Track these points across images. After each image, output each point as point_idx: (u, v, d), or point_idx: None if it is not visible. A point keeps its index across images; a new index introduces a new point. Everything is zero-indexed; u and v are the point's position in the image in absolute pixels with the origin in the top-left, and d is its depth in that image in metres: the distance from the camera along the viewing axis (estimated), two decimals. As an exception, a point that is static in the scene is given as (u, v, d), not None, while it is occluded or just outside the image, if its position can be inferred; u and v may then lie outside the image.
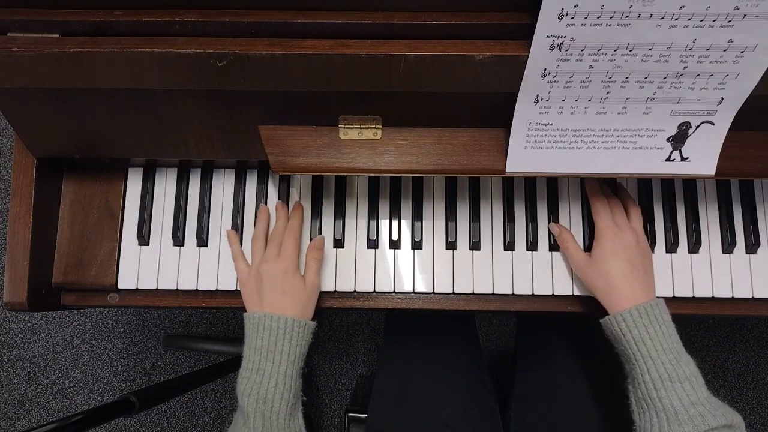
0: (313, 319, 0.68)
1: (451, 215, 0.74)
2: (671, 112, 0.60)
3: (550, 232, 0.74)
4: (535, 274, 0.73)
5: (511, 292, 0.73)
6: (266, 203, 0.75)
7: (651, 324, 0.61)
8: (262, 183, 0.76)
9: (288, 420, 0.62)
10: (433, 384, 0.80)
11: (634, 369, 0.61)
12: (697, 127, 0.61)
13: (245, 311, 0.68)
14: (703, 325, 1.48)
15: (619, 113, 0.60)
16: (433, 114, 0.64)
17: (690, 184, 0.76)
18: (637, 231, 0.69)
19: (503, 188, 0.75)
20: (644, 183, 0.75)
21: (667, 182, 0.75)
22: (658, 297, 0.65)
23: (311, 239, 0.74)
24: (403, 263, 0.74)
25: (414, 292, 0.74)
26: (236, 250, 0.72)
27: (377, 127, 0.65)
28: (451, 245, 0.74)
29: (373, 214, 0.75)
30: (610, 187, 0.75)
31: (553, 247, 0.74)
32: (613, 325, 0.63)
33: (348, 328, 1.47)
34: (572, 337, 0.84)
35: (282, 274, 0.67)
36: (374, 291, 0.74)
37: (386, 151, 0.66)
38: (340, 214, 0.75)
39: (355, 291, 0.74)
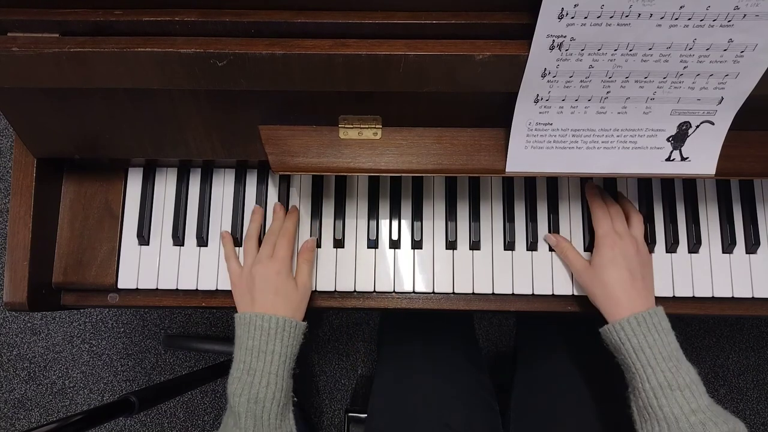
0: (304, 320, 0.68)
1: (451, 215, 0.74)
2: (671, 112, 0.60)
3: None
4: (535, 274, 0.73)
5: (511, 292, 0.73)
6: (266, 203, 0.75)
7: (650, 332, 0.61)
8: (262, 183, 0.76)
9: (279, 420, 0.62)
10: (432, 384, 0.80)
11: (634, 378, 0.61)
12: (697, 126, 0.61)
13: (236, 312, 0.68)
14: (703, 325, 1.48)
15: (619, 113, 0.60)
16: (433, 114, 0.64)
17: (690, 184, 0.76)
18: (638, 239, 0.69)
19: (503, 188, 0.75)
20: (644, 183, 0.75)
21: (667, 182, 0.75)
22: (657, 305, 0.64)
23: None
24: (403, 263, 0.74)
25: (414, 292, 0.74)
26: (229, 251, 0.72)
27: (377, 127, 0.65)
28: (451, 245, 0.74)
29: (373, 214, 0.75)
30: (610, 188, 0.75)
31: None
32: (611, 333, 0.63)
33: (348, 328, 1.47)
34: (572, 337, 0.84)
35: (275, 275, 0.67)
36: (374, 291, 0.74)
37: (386, 151, 0.66)
38: (340, 214, 0.75)
39: (355, 291, 0.74)
